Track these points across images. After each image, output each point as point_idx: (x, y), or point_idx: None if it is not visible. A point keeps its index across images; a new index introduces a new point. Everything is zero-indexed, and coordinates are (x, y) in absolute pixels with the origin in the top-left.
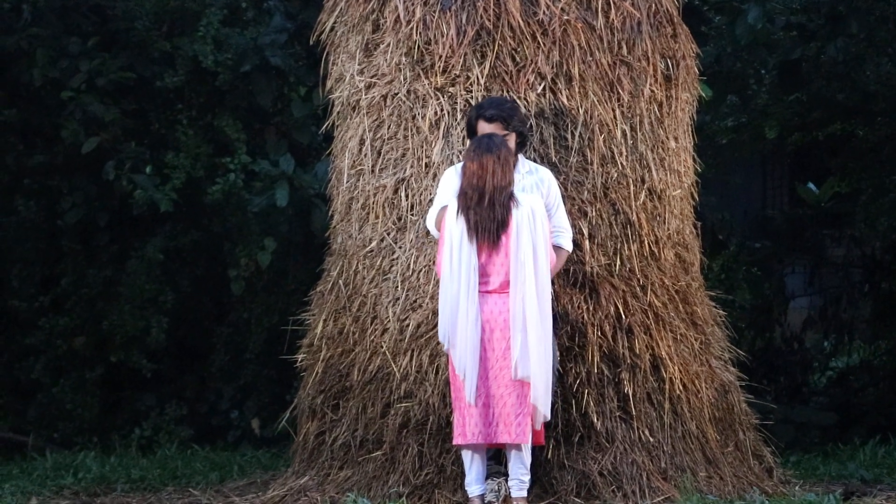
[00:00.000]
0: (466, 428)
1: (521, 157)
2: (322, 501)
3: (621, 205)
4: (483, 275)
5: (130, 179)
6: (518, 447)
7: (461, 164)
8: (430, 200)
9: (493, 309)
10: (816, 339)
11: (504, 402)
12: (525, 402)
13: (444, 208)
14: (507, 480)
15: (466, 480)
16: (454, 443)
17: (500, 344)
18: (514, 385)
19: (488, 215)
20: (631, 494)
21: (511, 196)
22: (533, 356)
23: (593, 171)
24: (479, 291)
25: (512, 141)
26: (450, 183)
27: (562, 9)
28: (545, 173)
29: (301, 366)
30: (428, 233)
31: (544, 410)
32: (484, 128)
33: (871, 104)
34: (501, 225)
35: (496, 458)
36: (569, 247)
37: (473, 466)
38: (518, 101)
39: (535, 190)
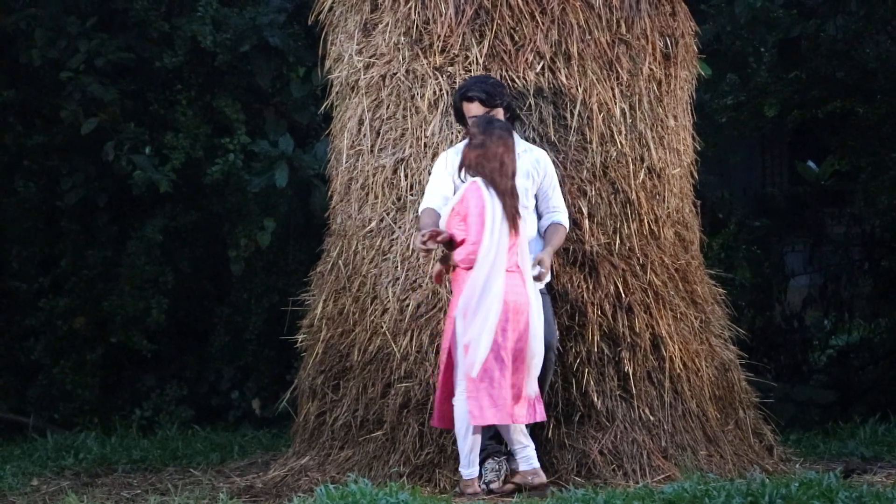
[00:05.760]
0: (485, 411)
1: (516, 136)
2: (323, 481)
3: (620, 183)
4: None
5: (130, 160)
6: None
7: (453, 149)
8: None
9: (511, 290)
10: (816, 318)
11: (510, 382)
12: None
13: (466, 186)
14: (507, 460)
15: (462, 464)
16: (474, 423)
17: (517, 325)
18: (518, 366)
19: (512, 201)
20: (631, 473)
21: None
22: (539, 334)
23: (592, 150)
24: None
25: (500, 117)
26: (444, 170)
27: None
28: (541, 154)
29: (301, 346)
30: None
31: (528, 390)
32: (469, 108)
33: (871, 82)
34: (517, 210)
35: (496, 438)
36: (566, 224)
37: (474, 447)
38: (517, 80)
39: (534, 171)
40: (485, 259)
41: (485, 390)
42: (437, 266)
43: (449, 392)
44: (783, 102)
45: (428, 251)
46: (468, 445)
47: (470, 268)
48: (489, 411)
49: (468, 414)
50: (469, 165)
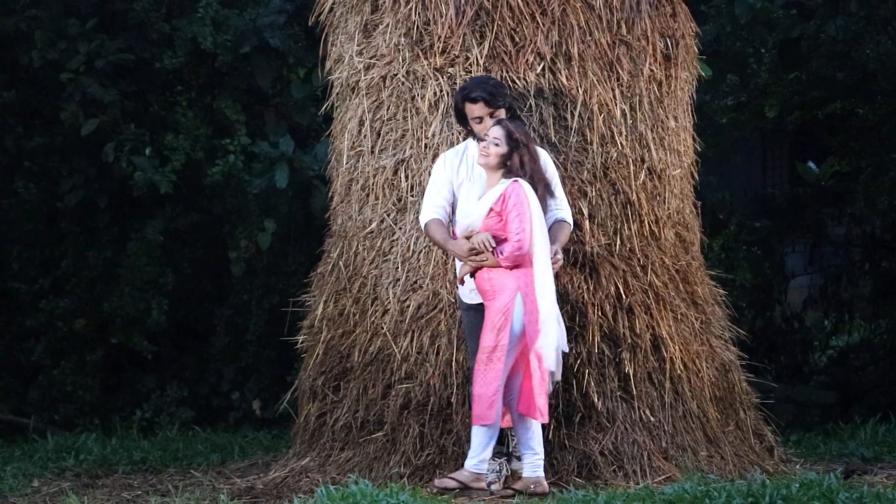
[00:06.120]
0: (548, 408)
1: None
2: (323, 482)
3: (621, 184)
4: None
5: (130, 161)
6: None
7: (452, 151)
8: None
9: None
10: (817, 318)
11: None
12: None
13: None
14: (508, 460)
15: (481, 457)
16: (545, 422)
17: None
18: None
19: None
20: (632, 474)
21: None
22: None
23: (593, 151)
24: None
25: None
26: (444, 174)
27: None
28: (543, 154)
29: (302, 347)
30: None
31: None
32: (472, 110)
33: (871, 83)
34: None
35: (497, 438)
36: (570, 221)
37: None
38: (517, 81)
39: None
40: (542, 258)
41: (546, 388)
42: (466, 267)
43: (497, 388)
44: (783, 103)
45: (477, 255)
46: (493, 442)
47: (513, 267)
48: (542, 409)
49: (537, 412)
50: (526, 171)
